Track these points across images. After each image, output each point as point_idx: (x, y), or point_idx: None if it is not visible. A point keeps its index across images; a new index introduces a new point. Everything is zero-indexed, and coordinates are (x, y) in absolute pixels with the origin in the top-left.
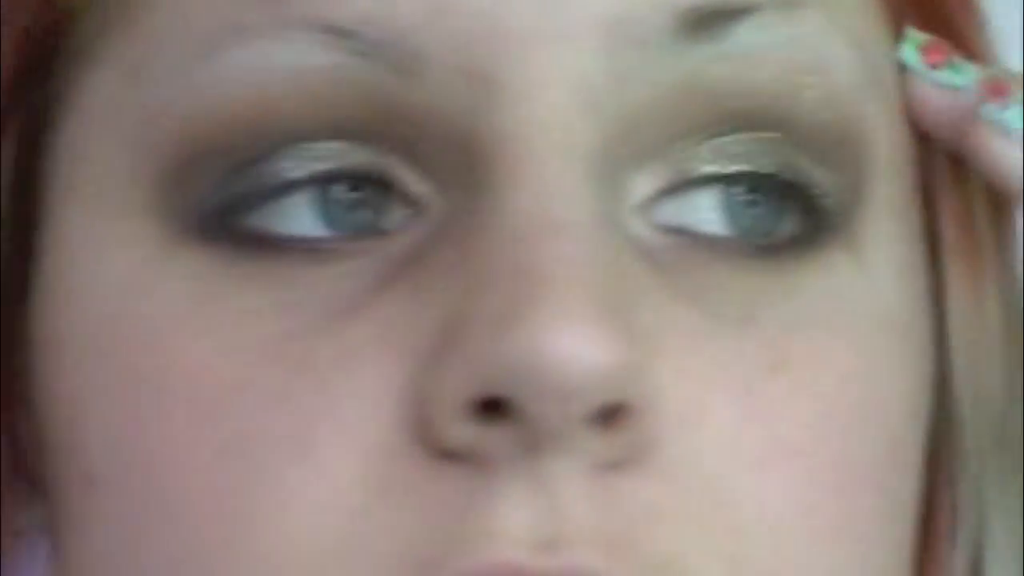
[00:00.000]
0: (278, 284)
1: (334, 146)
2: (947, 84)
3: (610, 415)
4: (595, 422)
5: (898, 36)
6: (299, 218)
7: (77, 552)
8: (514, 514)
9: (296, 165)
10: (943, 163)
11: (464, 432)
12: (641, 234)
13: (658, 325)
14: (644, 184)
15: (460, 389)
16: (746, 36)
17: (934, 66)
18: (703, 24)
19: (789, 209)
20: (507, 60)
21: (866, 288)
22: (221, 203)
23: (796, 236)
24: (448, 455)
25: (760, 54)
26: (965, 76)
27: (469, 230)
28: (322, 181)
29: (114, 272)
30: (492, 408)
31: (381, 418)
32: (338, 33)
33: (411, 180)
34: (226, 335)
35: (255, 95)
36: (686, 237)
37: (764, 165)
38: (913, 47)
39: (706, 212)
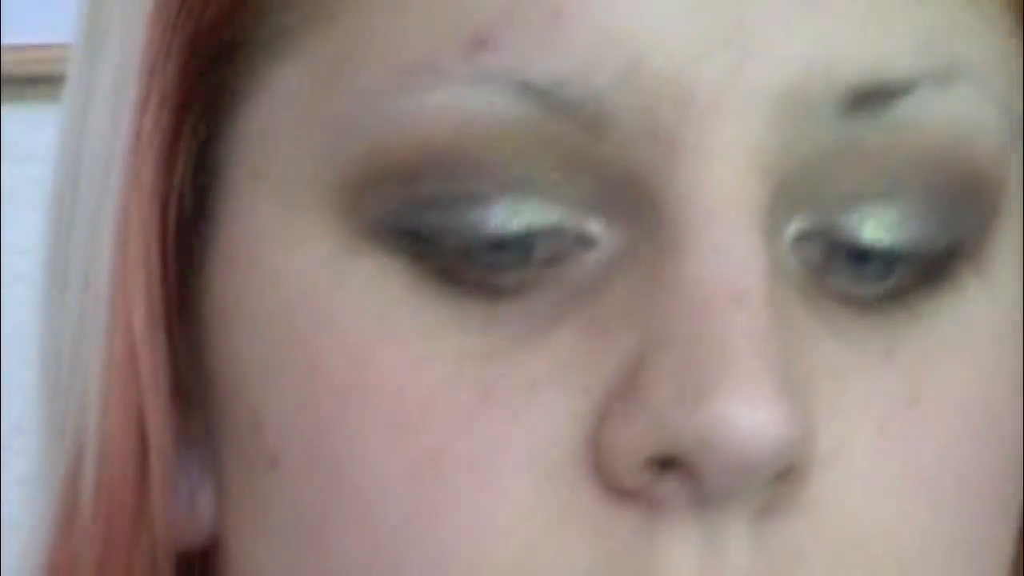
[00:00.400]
0: (462, 302)
1: (531, 204)
2: None
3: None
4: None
5: None
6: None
7: (257, 525)
8: (683, 558)
9: (482, 218)
10: None
11: (640, 479)
12: (794, 269)
13: (814, 366)
14: (796, 224)
15: (642, 445)
16: (904, 111)
17: None
18: (864, 101)
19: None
20: (689, 126)
21: (993, 309)
22: (407, 226)
23: (929, 271)
24: (622, 493)
25: (916, 128)
26: None
27: (648, 280)
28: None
29: (296, 262)
30: (669, 461)
31: (561, 451)
32: (535, 92)
33: (584, 219)
34: (412, 349)
35: (446, 138)
36: (831, 268)
37: (906, 244)
38: None
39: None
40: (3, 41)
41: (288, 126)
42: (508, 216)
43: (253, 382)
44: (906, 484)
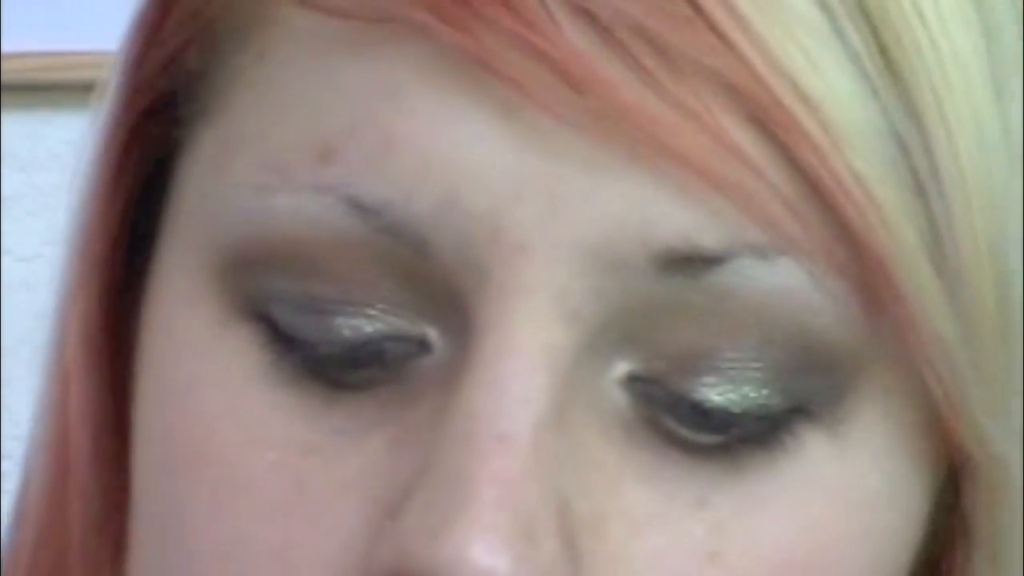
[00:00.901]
0: (303, 386)
1: (372, 312)
2: None
3: None
4: None
5: None
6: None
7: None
8: None
9: (340, 325)
10: None
11: None
12: (623, 406)
13: (607, 511)
14: (625, 365)
15: (387, 570)
16: (722, 279)
17: None
18: (678, 265)
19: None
20: (499, 263)
21: (842, 473)
22: (270, 316)
23: (765, 428)
24: None
25: (735, 294)
26: None
27: (441, 401)
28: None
29: (180, 323)
30: None
31: (347, 558)
32: (363, 210)
33: (428, 331)
34: (252, 429)
35: (294, 240)
36: (666, 412)
37: (738, 405)
38: None
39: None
40: (4, 49)
41: (191, 194)
42: (352, 323)
43: (136, 431)
44: None
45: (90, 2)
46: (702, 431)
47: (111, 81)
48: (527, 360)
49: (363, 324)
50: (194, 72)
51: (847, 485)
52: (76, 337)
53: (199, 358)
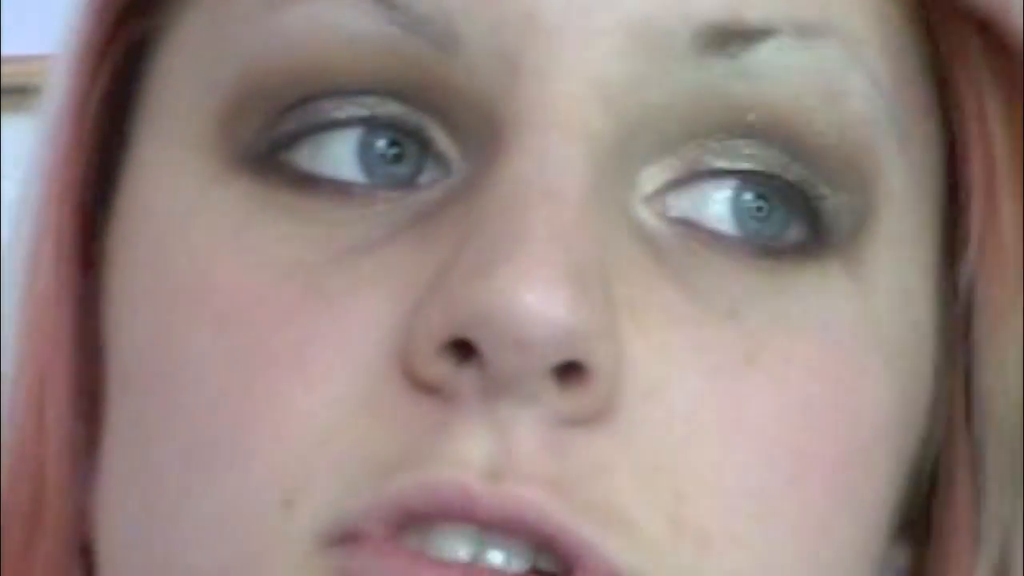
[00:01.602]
0: (311, 217)
1: (376, 99)
2: None
3: (569, 373)
4: (553, 377)
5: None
6: (342, 163)
7: (108, 450)
8: (470, 446)
9: (339, 107)
10: (979, 200)
11: (438, 368)
12: (649, 223)
13: (645, 301)
14: (656, 177)
15: (435, 329)
16: (763, 57)
17: None
18: (721, 41)
19: (796, 220)
20: (534, 50)
21: (859, 308)
22: (271, 140)
23: (799, 245)
24: (425, 386)
25: (775, 75)
26: None
27: (477, 190)
28: (364, 127)
29: (172, 198)
30: (464, 349)
31: (373, 345)
32: (387, 4)
33: (444, 142)
34: (254, 256)
35: (308, 49)
36: (692, 229)
37: (773, 167)
38: None
39: (716, 209)
40: (4, 51)
41: (182, 66)
42: (352, 108)
43: (119, 315)
44: (731, 434)
45: None
46: (736, 230)
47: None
48: (567, 133)
49: (377, 134)
50: None
51: (866, 324)
52: (48, 262)
53: (193, 221)
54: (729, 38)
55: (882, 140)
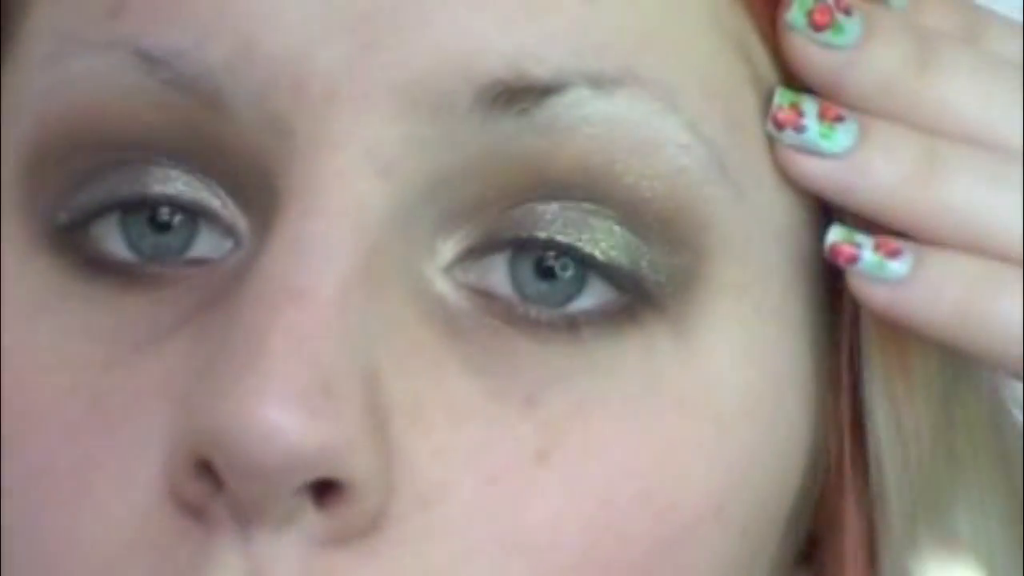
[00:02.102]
0: (102, 306)
1: (165, 172)
2: (830, 44)
3: (329, 490)
4: (309, 496)
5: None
6: (136, 241)
7: None
8: None
9: (129, 183)
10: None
11: (196, 490)
12: (450, 296)
13: (430, 396)
14: (455, 245)
15: (186, 449)
16: (557, 112)
17: (819, 28)
18: (508, 99)
19: (597, 279)
20: (304, 114)
21: (687, 373)
22: (68, 214)
23: (607, 309)
24: (189, 508)
25: (572, 129)
26: (848, 35)
27: (243, 280)
28: (158, 203)
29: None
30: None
31: (147, 466)
32: (151, 60)
33: (232, 211)
34: (46, 355)
35: (88, 106)
36: (491, 301)
37: (580, 240)
38: (802, 12)
39: (507, 278)
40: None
41: (7, 104)
42: (156, 188)
43: None
44: (508, 543)
45: None
46: (542, 304)
47: None
48: (333, 219)
49: (163, 188)
50: None
51: (695, 390)
52: None
53: (9, 285)
54: (516, 95)
55: (707, 189)
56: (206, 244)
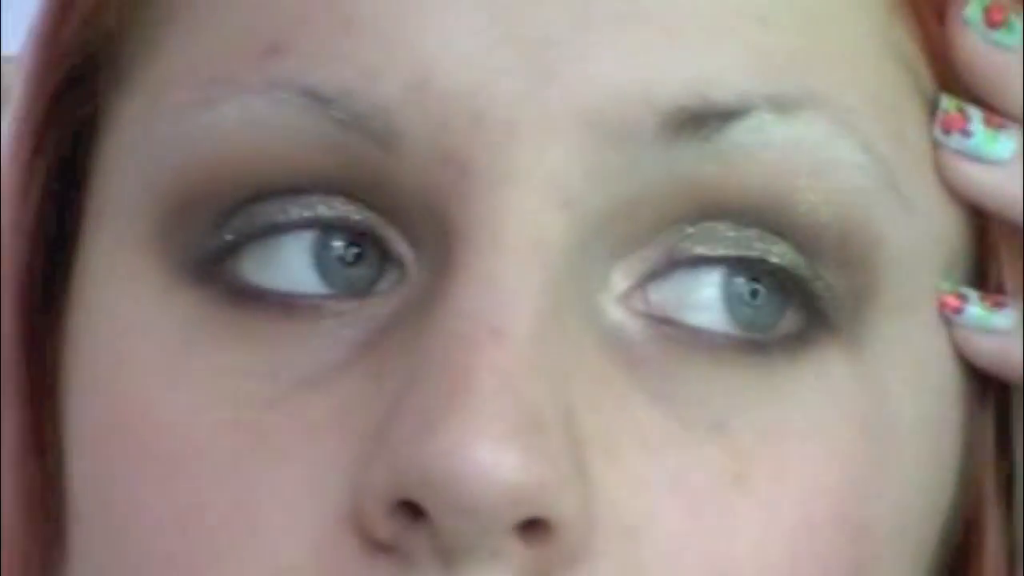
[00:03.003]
0: (256, 340)
1: (325, 199)
2: (1000, 43)
3: (535, 526)
4: (516, 533)
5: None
6: (294, 270)
7: None
8: None
9: (282, 210)
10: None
11: (391, 528)
12: (624, 325)
13: (617, 428)
14: (631, 271)
15: (382, 491)
16: (738, 137)
17: (993, 26)
18: (690, 125)
19: (791, 306)
20: (482, 148)
21: (865, 395)
22: (215, 247)
23: (792, 334)
24: (379, 546)
25: (753, 155)
26: (1016, 34)
27: (429, 312)
28: (317, 229)
29: (115, 306)
30: (416, 508)
31: (325, 502)
32: (321, 100)
33: (399, 244)
34: (198, 393)
35: (244, 149)
36: (672, 327)
37: (755, 249)
38: (979, 7)
39: (705, 295)
40: (3, 50)
41: (124, 159)
42: (299, 208)
43: (68, 437)
44: (717, 570)
45: None
46: (721, 328)
47: (18, 78)
48: (520, 255)
49: (331, 235)
50: (112, 31)
51: (870, 411)
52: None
53: (137, 336)
54: (700, 121)
55: (879, 207)
56: (366, 277)
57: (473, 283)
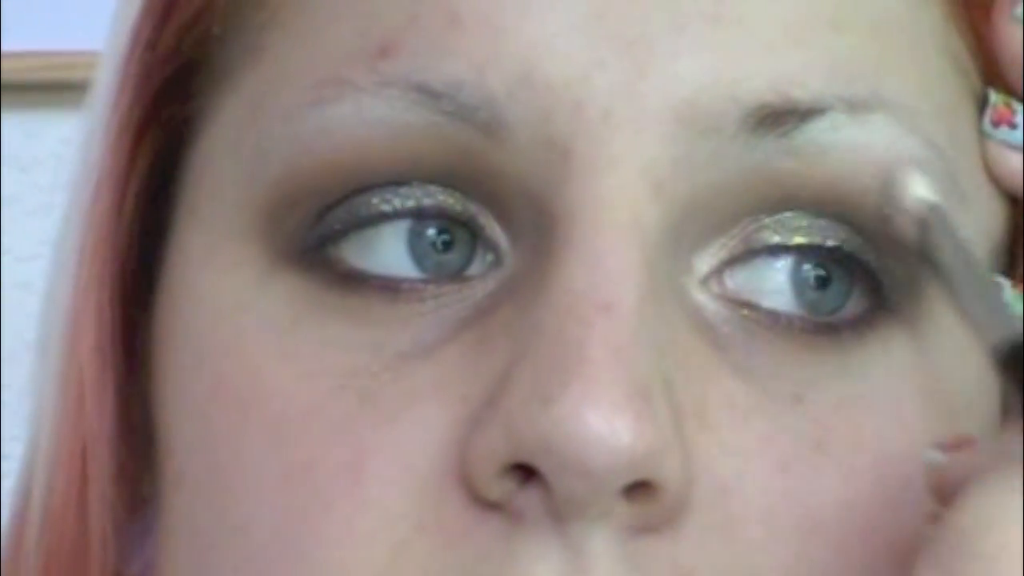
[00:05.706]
0: (360, 318)
1: (424, 188)
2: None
3: (639, 488)
4: (622, 495)
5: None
6: (391, 256)
7: (163, 545)
8: (543, 569)
9: (385, 200)
10: None
11: (501, 488)
12: (706, 306)
13: (708, 397)
14: (711, 257)
15: (497, 452)
16: (815, 135)
17: (997, 125)
18: (772, 121)
19: (856, 290)
20: (582, 136)
21: (924, 373)
22: (318, 235)
23: (858, 315)
24: (487, 504)
25: (825, 153)
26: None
27: (530, 291)
28: (412, 218)
29: (218, 291)
30: (527, 470)
31: (431, 459)
32: (431, 94)
33: (494, 230)
34: (305, 363)
35: (354, 147)
36: (750, 309)
37: (828, 238)
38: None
39: (776, 281)
40: (4, 48)
41: (223, 156)
42: (401, 199)
43: (170, 410)
44: (807, 526)
45: (90, 2)
46: (795, 303)
47: (107, 80)
48: (621, 235)
49: (426, 224)
50: (213, 36)
51: (931, 386)
52: (88, 348)
53: (242, 318)
54: (780, 118)
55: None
56: (456, 263)
57: (580, 262)
